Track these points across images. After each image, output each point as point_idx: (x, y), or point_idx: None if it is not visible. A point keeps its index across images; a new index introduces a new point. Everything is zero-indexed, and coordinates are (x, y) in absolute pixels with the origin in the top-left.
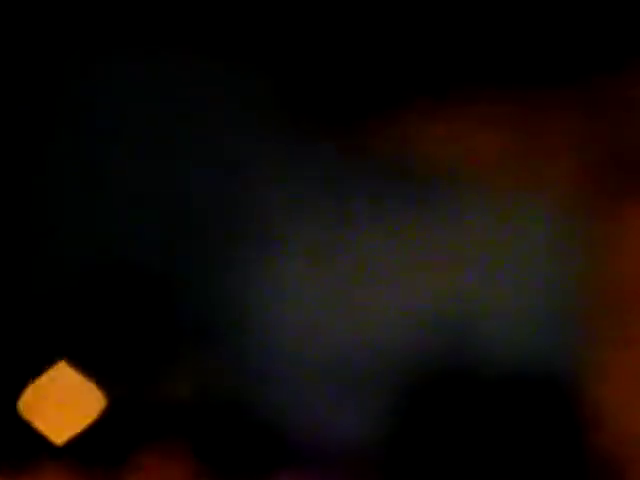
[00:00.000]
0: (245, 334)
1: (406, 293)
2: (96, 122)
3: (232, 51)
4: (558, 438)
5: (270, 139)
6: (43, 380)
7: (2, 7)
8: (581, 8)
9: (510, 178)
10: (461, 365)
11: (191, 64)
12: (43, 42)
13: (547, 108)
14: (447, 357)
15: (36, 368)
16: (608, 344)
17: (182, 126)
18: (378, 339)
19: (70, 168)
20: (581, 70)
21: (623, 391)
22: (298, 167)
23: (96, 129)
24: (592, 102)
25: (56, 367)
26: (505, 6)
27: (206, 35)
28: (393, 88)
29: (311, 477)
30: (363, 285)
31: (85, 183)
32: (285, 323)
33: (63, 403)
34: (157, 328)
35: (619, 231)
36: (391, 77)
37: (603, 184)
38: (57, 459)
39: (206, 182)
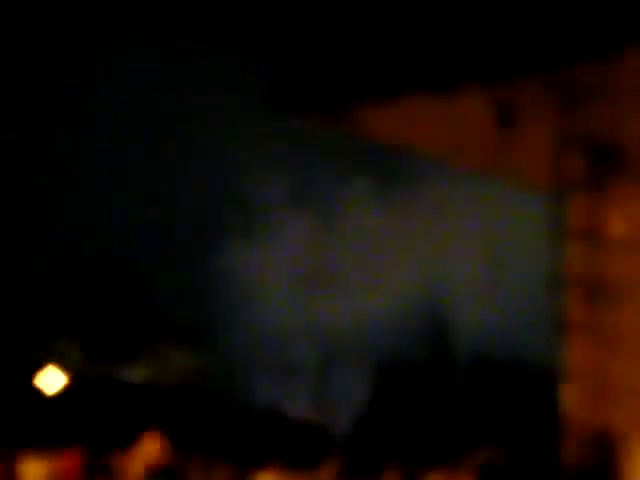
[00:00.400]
0: (229, 323)
1: (389, 280)
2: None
3: (225, 48)
4: (530, 420)
5: (252, 129)
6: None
7: (3, 7)
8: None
9: (489, 166)
10: (438, 350)
11: (188, 54)
12: (42, 41)
13: (526, 96)
14: (425, 342)
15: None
16: (581, 333)
17: (175, 119)
18: (360, 325)
19: (66, 171)
20: (558, 59)
21: (593, 379)
22: (280, 158)
23: (90, 129)
24: (570, 91)
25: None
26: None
27: (202, 27)
28: (382, 80)
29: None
30: (343, 274)
31: (75, 185)
32: (268, 311)
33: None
34: (140, 318)
35: (598, 219)
36: (380, 68)
37: (582, 172)
38: (44, 447)
39: (192, 179)
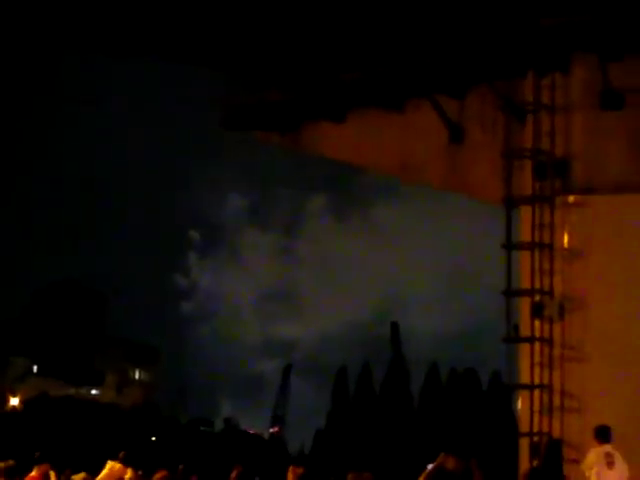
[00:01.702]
0: (188, 340)
1: (347, 295)
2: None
3: (183, 57)
4: (485, 428)
5: (212, 149)
6: None
7: (6, 9)
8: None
9: (440, 181)
10: (395, 361)
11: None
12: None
13: (475, 113)
14: (382, 355)
15: None
16: (532, 344)
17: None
18: (318, 338)
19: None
20: (495, 74)
21: (544, 388)
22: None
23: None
24: (518, 108)
25: None
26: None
27: (165, 47)
28: (325, 97)
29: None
30: (302, 289)
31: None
32: (228, 327)
33: None
34: (100, 338)
35: (545, 231)
36: (320, 88)
37: (530, 186)
38: None
39: (145, 191)
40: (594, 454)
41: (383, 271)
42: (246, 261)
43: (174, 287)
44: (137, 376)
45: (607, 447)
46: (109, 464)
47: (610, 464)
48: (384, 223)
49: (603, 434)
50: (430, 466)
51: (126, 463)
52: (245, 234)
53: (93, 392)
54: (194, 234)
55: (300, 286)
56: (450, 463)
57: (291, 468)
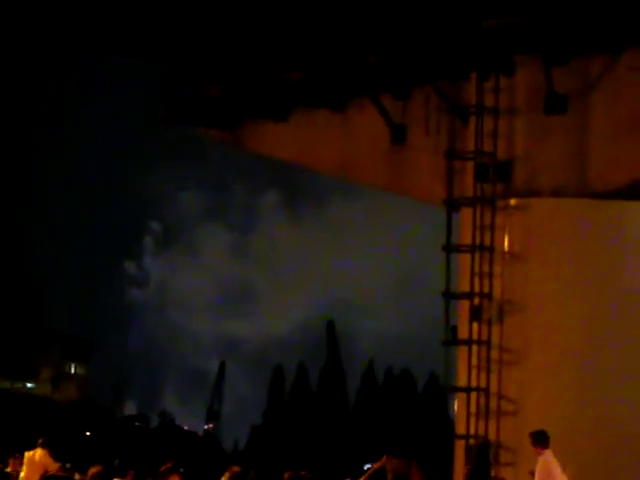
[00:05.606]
0: (124, 332)
1: (295, 292)
2: None
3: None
4: (417, 428)
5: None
6: None
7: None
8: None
9: (383, 181)
10: (335, 361)
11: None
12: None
13: (418, 113)
14: (323, 354)
15: None
16: (469, 347)
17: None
18: (264, 336)
19: None
20: (438, 75)
21: (480, 392)
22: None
23: None
24: (461, 109)
25: None
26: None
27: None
28: (263, 99)
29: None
30: (252, 288)
31: None
32: (167, 318)
33: None
34: (39, 331)
35: (486, 233)
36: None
37: (472, 188)
38: None
39: (96, 181)
40: (552, 458)
41: (334, 270)
42: (201, 256)
43: (124, 284)
44: (73, 370)
45: (551, 452)
46: (26, 456)
47: (562, 469)
48: (338, 220)
49: (544, 439)
50: (369, 466)
51: (47, 449)
52: (200, 229)
53: (28, 385)
54: (152, 224)
55: (252, 284)
56: (393, 464)
57: (229, 467)
